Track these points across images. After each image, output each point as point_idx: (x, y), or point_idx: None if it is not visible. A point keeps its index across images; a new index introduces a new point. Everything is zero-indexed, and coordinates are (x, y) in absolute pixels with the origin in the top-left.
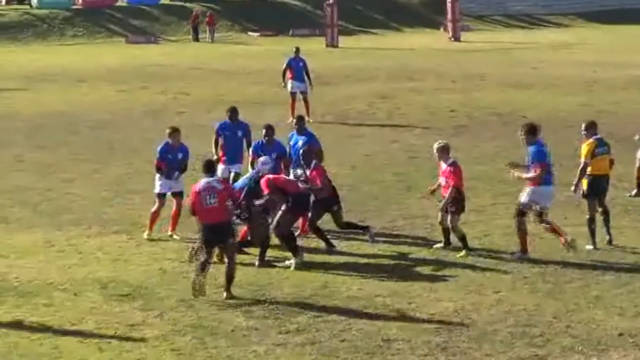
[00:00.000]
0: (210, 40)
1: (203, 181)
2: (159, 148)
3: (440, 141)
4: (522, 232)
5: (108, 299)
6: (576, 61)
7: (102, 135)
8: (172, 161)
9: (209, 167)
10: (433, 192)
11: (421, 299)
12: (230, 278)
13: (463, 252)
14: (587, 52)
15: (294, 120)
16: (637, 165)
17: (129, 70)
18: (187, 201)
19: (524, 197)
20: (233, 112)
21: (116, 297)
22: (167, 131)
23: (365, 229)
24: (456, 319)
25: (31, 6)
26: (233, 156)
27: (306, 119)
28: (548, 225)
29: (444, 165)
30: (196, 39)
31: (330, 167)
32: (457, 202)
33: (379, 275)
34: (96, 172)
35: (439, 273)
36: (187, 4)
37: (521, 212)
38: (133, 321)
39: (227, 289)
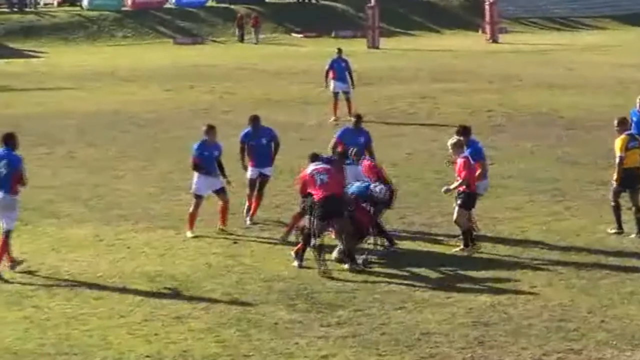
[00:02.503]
0: (255, 42)
1: (311, 166)
2: (195, 146)
3: (454, 137)
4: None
5: (155, 292)
6: (611, 63)
7: (150, 133)
8: (208, 158)
9: (315, 157)
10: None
11: (459, 294)
12: (348, 252)
13: (459, 248)
14: (621, 54)
15: (352, 119)
16: None
17: (177, 71)
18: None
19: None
20: (255, 121)
21: (163, 290)
22: (204, 129)
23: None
24: (493, 313)
25: (82, 8)
26: (262, 161)
27: (348, 117)
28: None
29: (459, 161)
30: (241, 40)
31: None
32: (465, 197)
33: (418, 270)
34: (144, 169)
35: (477, 268)
36: (233, 6)
37: None
38: (179, 314)
39: (351, 260)
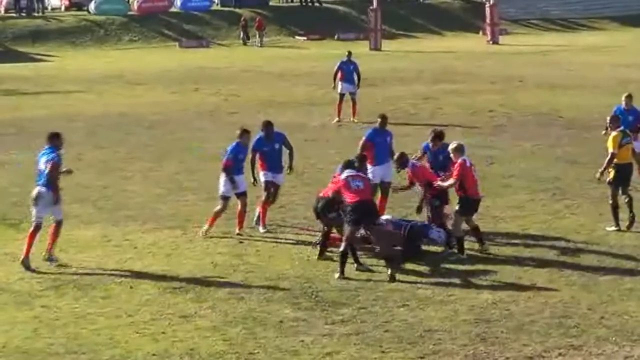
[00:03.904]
0: (259, 45)
1: (346, 172)
2: (229, 149)
3: (454, 142)
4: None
5: (162, 291)
6: (610, 63)
7: (157, 135)
8: (241, 162)
9: (350, 164)
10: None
11: (461, 291)
12: (386, 259)
13: (456, 250)
14: (620, 55)
15: (379, 119)
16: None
17: (182, 73)
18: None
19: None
20: (268, 126)
21: (170, 289)
22: (238, 132)
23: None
24: (495, 311)
25: (89, 12)
26: (275, 166)
27: (351, 119)
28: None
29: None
30: (245, 43)
31: None
32: (461, 201)
33: (421, 267)
34: (151, 170)
35: (478, 266)
36: (237, 10)
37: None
38: (186, 312)
39: (391, 269)
